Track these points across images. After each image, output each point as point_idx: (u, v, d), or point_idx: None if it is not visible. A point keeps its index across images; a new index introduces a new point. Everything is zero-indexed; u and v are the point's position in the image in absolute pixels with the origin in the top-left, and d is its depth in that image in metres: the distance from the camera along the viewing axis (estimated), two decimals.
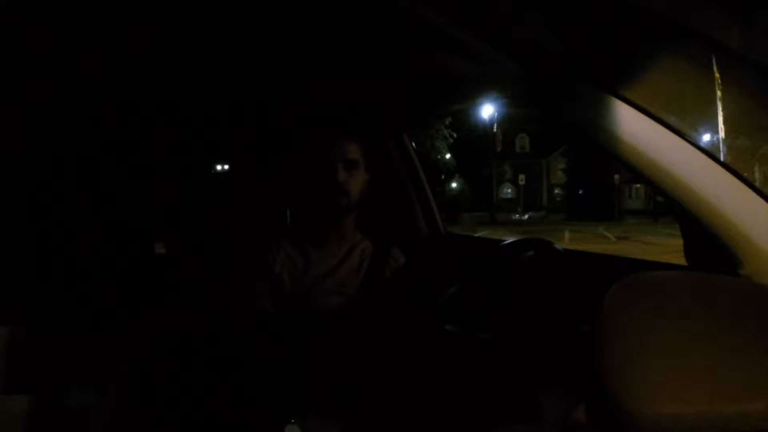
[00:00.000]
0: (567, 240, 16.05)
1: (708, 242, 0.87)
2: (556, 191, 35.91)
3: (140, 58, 1.29)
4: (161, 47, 1.23)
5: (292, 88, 1.62)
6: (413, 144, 2.30)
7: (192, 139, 2.46)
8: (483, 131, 28.28)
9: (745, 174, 0.86)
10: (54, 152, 2.27)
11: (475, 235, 5.46)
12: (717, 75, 0.92)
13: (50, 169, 2.29)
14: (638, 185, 30.99)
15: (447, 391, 1.27)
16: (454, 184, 32.84)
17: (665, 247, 12.58)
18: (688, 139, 0.87)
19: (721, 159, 0.87)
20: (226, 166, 2.85)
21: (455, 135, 23.48)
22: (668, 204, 0.89)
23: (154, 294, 2.15)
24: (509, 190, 37.42)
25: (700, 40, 0.90)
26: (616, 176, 28.93)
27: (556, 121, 1.15)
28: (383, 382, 1.21)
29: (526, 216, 31.49)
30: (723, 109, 0.94)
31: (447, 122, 21.01)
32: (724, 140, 0.94)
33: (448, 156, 26.41)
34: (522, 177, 35.85)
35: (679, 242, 1.01)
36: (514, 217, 30.08)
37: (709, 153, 0.87)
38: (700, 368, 0.50)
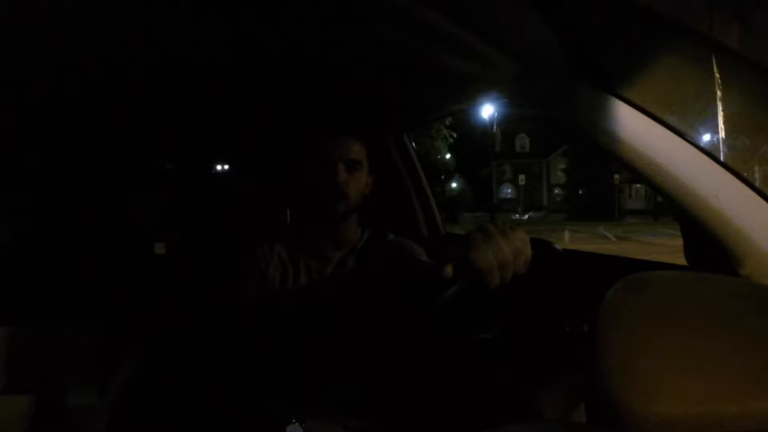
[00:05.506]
0: (567, 240, 16.05)
1: (708, 242, 0.87)
2: (556, 191, 35.91)
3: (140, 57, 1.29)
4: (161, 47, 1.23)
5: (292, 88, 1.62)
6: (413, 144, 2.30)
7: (192, 139, 2.47)
8: (483, 131, 28.28)
9: (745, 174, 0.86)
10: (54, 153, 2.27)
11: None
12: (717, 75, 0.92)
13: (51, 170, 2.30)
14: (638, 185, 30.98)
15: (447, 391, 1.27)
16: (454, 184, 32.84)
17: (665, 246, 12.58)
18: (688, 139, 0.87)
19: (721, 159, 0.87)
20: (226, 166, 2.85)
21: (455, 135, 23.50)
22: (668, 204, 0.89)
23: (153, 294, 2.15)
24: (509, 190, 37.41)
25: (700, 40, 0.90)
26: (616, 176, 28.94)
27: (556, 121, 1.15)
28: (383, 382, 1.21)
29: (526, 216, 31.50)
30: (723, 109, 0.94)
31: (447, 122, 21.02)
32: (724, 140, 0.94)
33: (448, 156, 26.43)
34: (522, 177, 35.87)
35: (680, 242, 1.01)
36: (514, 217, 30.08)
37: (709, 153, 0.87)
38: (700, 368, 0.50)
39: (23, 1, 0.93)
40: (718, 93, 0.95)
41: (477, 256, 0.82)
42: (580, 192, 31.69)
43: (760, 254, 0.83)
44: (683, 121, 0.90)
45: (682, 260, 1.03)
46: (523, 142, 36.88)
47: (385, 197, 1.71)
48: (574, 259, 1.50)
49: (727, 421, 0.47)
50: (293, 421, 1.09)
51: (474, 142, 30.11)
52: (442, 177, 27.00)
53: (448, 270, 0.84)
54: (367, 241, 1.33)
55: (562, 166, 34.51)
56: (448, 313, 0.87)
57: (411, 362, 1.23)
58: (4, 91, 1.43)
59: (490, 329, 1.36)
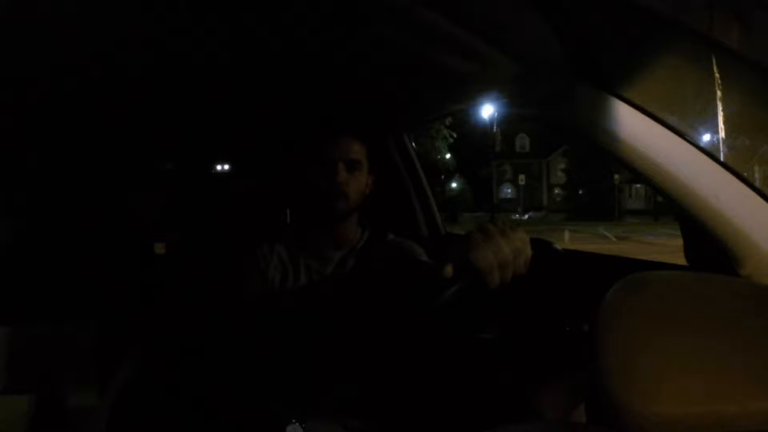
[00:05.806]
0: (567, 240, 16.04)
1: (708, 242, 0.87)
2: (556, 191, 35.91)
3: (140, 57, 1.29)
4: (161, 47, 1.23)
5: (292, 88, 1.62)
6: (413, 144, 2.30)
7: (192, 139, 2.47)
8: (483, 131, 28.28)
9: (745, 174, 0.86)
10: (54, 153, 2.27)
11: None
12: (717, 75, 0.92)
13: (51, 170, 2.30)
14: (638, 185, 30.97)
15: (447, 391, 1.27)
16: (454, 184, 32.83)
17: (665, 246, 12.58)
18: (688, 139, 0.87)
19: (721, 159, 0.87)
20: (227, 166, 2.86)
21: (455, 135, 23.50)
22: (668, 204, 0.89)
23: (154, 294, 2.15)
24: (509, 190, 37.41)
25: (700, 40, 0.90)
26: (616, 176, 28.94)
27: (556, 121, 1.15)
28: (384, 382, 1.21)
29: (526, 216, 31.50)
30: (723, 109, 0.94)
31: (447, 122, 21.02)
32: (724, 140, 0.94)
33: (448, 156, 26.43)
34: (522, 177, 35.85)
35: (680, 242, 1.01)
36: (514, 217, 30.06)
37: (709, 153, 0.87)
38: (700, 368, 0.50)
39: (23, 1, 0.93)
40: (718, 93, 0.95)
41: (477, 256, 0.82)
42: (580, 192, 31.70)
43: (760, 254, 0.83)
44: (683, 121, 0.90)
45: (682, 260, 1.03)
46: (523, 142, 36.87)
47: (385, 197, 1.71)
48: (574, 259, 1.50)
49: (727, 421, 0.47)
50: (293, 421, 1.09)
51: (474, 142, 30.13)
52: (442, 177, 26.99)
53: (448, 270, 0.84)
54: (367, 241, 1.33)
55: (562, 166, 34.50)
56: (448, 313, 0.87)
57: (411, 362, 1.23)
58: (4, 91, 1.44)
59: (490, 329, 1.36)
